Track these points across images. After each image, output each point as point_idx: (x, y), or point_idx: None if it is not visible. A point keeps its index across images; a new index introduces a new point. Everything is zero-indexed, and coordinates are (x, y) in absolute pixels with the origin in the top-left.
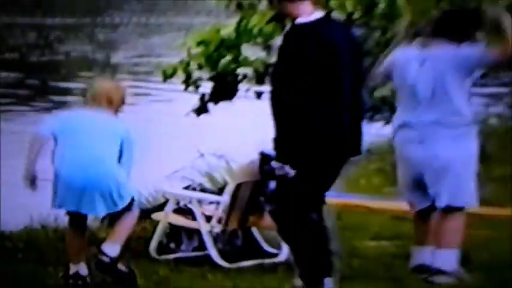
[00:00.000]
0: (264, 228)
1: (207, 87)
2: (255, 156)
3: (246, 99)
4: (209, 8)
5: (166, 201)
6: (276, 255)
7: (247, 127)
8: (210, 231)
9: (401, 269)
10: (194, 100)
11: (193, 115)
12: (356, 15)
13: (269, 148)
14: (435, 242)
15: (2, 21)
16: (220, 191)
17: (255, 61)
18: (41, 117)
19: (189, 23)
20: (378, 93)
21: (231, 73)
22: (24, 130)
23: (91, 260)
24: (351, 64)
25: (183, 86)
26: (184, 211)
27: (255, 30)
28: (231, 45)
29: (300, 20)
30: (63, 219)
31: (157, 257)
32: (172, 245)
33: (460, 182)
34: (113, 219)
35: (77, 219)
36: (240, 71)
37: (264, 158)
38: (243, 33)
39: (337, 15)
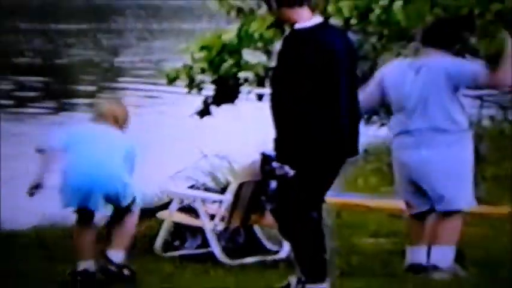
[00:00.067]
0: (265, 226)
1: (209, 90)
2: (257, 157)
3: (248, 101)
4: (210, 14)
5: (171, 200)
6: (277, 252)
7: (248, 129)
8: (213, 229)
9: (398, 266)
10: (197, 103)
11: (197, 117)
12: (353, 21)
13: (270, 149)
14: (431, 239)
15: (10, 26)
16: (223, 191)
17: (256, 65)
18: (46, 118)
19: (191, 28)
20: None
21: (233, 77)
22: (34, 131)
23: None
24: (348, 69)
25: (186, 89)
26: (188, 210)
27: (256, 36)
28: (233, 50)
29: (298, 26)
30: (71, 218)
31: (162, 254)
32: (176, 243)
33: (457, 186)
34: (113, 218)
35: (85, 216)
36: (242, 74)
37: (265, 158)
38: (244, 39)
39: (334, 21)
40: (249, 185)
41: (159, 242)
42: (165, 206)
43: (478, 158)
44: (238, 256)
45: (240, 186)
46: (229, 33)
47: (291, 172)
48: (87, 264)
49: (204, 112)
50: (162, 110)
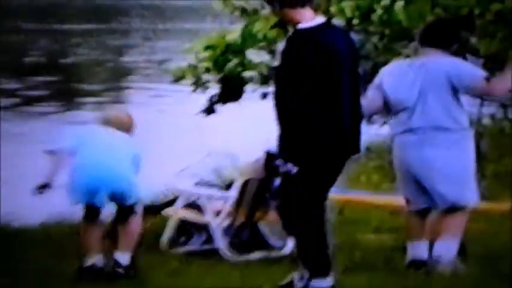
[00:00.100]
0: (270, 222)
1: (214, 89)
2: (261, 155)
3: (252, 100)
4: (214, 14)
5: (177, 197)
6: (281, 248)
7: (253, 127)
8: (219, 226)
9: (400, 261)
10: (202, 101)
11: (202, 116)
12: (355, 21)
13: (274, 146)
14: (435, 234)
15: (16, 27)
16: (227, 188)
17: (260, 64)
18: (52, 117)
19: (195, 28)
20: None
21: (237, 76)
22: (41, 130)
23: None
24: (350, 68)
25: (191, 88)
26: (193, 206)
27: (260, 35)
28: (237, 50)
29: (301, 26)
30: (78, 215)
31: (168, 250)
32: (182, 239)
33: (460, 183)
34: (118, 218)
35: (91, 213)
36: (246, 74)
37: (269, 156)
38: (248, 38)
39: (337, 21)
40: (254, 182)
41: (165, 239)
42: (171, 203)
43: (479, 155)
44: (243, 252)
45: (245, 183)
46: (233, 34)
47: (294, 169)
48: (95, 259)
49: (209, 110)
50: (167, 109)
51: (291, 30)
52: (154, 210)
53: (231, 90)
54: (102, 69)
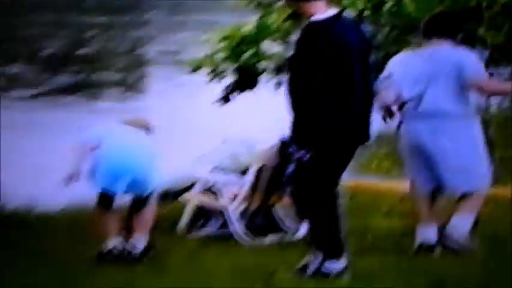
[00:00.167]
0: (284, 206)
1: (230, 78)
2: (275, 142)
3: (267, 89)
4: (230, 6)
5: (194, 183)
6: (295, 231)
7: (267, 115)
8: (235, 210)
9: (409, 245)
10: (218, 90)
11: (219, 104)
12: (366, 13)
13: (288, 134)
14: (444, 218)
15: (36, 20)
16: (243, 173)
17: (274, 55)
18: (75, 107)
19: (211, 20)
20: None
21: (252, 66)
22: (65, 120)
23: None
24: (361, 59)
25: (208, 78)
26: (210, 192)
27: (274, 27)
28: (251, 41)
29: (314, 18)
30: None
31: (186, 234)
32: (199, 224)
33: (469, 171)
34: (132, 208)
35: (106, 200)
36: (260, 64)
37: (283, 143)
38: (262, 30)
39: (349, 12)
40: (268, 168)
41: (182, 224)
42: (188, 188)
43: (487, 141)
44: (258, 235)
45: (260, 169)
46: (248, 26)
47: (307, 156)
48: (114, 242)
49: (225, 99)
50: (184, 98)
51: (304, 22)
52: (172, 196)
53: (247, 80)
54: (122, 59)
